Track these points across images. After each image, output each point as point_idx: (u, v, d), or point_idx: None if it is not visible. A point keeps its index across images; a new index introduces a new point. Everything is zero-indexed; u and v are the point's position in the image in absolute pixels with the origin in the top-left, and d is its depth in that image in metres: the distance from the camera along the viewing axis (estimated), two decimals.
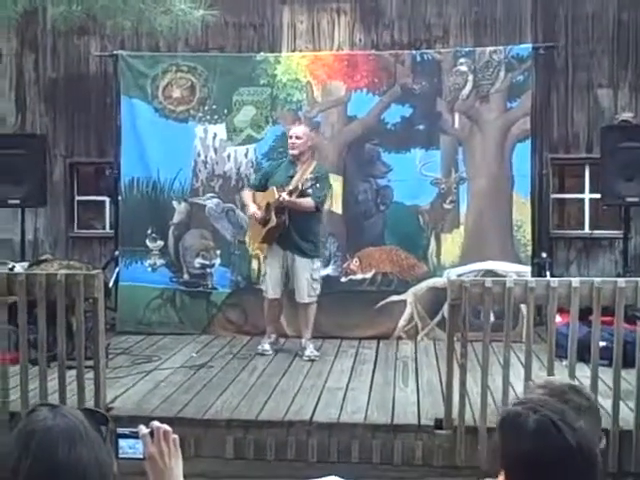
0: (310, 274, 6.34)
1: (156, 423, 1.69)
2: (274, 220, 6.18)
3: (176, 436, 1.70)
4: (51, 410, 1.40)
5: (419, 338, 7.07)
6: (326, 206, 6.99)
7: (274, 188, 6.24)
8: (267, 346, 6.49)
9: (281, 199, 6.08)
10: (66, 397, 4.84)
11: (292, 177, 6.31)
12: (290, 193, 6.10)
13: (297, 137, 6.41)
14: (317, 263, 6.45)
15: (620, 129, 7.14)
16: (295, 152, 6.37)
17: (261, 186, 6.49)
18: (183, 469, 1.69)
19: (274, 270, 6.38)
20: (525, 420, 1.59)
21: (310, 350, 6.36)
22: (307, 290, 6.35)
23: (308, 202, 6.18)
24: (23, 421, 1.40)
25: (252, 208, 6.38)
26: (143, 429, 1.68)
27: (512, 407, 1.66)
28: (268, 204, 6.24)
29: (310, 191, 6.11)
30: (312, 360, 6.26)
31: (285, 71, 7.46)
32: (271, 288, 6.40)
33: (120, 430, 1.69)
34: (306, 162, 6.42)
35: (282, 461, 4.62)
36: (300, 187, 6.11)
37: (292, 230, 6.22)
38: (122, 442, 1.68)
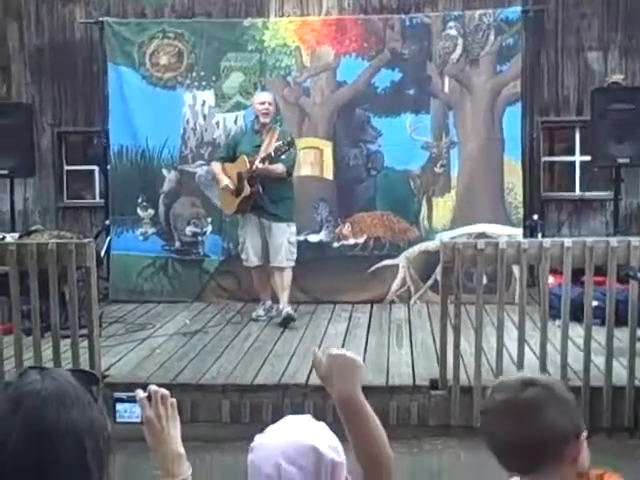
0: (287, 238, 6.33)
1: (153, 387, 1.68)
2: (247, 189, 6.16)
3: (174, 400, 1.69)
4: (40, 373, 1.37)
5: (412, 301, 7.10)
6: (316, 172, 7.02)
7: (245, 158, 6.19)
8: (261, 312, 6.50)
9: (254, 167, 6.06)
10: (61, 366, 4.84)
11: (259, 146, 6.24)
12: (262, 161, 6.08)
13: (269, 103, 6.39)
14: (293, 227, 6.43)
15: (610, 91, 7.14)
16: (267, 120, 6.33)
17: (229, 157, 6.46)
18: (181, 433, 1.69)
19: (253, 238, 6.38)
20: None
21: (286, 310, 6.25)
22: (285, 254, 6.33)
23: (279, 168, 6.17)
24: (12, 385, 1.37)
25: (225, 181, 6.33)
26: (140, 393, 1.67)
27: None
28: (239, 174, 6.20)
29: (283, 157, 6.09)
30: (293, 319, 6.21)
31: (273, 36, 7.39)
32: (253, 256, 6.40)
33: (117, 394, 1.68)
34: (270, 129, 6.35)
35: None
36: (272, 154, 6.06)
37: (265, 198, 6.23)
38: (119, 406, 1.67)
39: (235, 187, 6.26)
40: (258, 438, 1.45)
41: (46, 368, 1.43)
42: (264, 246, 6.39)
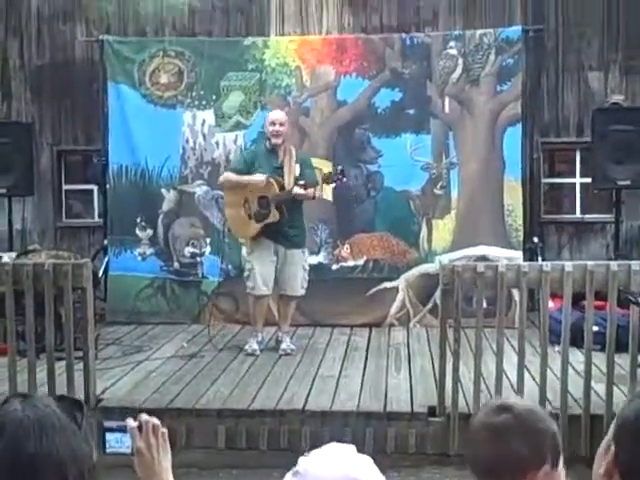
0: (302, 265, 6.13)
1: (145, 416, 1.65)
2: (276, 215, 5.88)
3: (165, 430, 1.66)
4: (22, 401, 1.36)
5: (411, 325, 7.05)
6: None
7: (272, 180, 5.90)
8: (255, 346, 6.12)
9: (294, 193, 5.83)
10: (55, 389, 4.80)
11: (279, 168, 5.99)
12: (304, 187, 5.84)
13: (281, 124, 6.05)
14: (307, 254, 6.27)
15: (611, 112, 7.10)
16: (279, 141, 6.01)
17: (243, 172, 6.09)
18: (174, 460, 1.65)
19: (265, 265, 6.03)
20: None
21: (286, 344, 6.16)
22: (300, 282, 6.13)
23: (311, 192, 5.95)
24: None
25: (261, 176, 5.92)
26: (131, 422, 1.64)
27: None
28: (264, 197, 5.92)
29: (302, 181, 5.90)
30: (288, 354, 6.05)
31: (273, 55, 7.39)
32: (262, 284, 6.03)
33: (107, 424, 1.65)
34: (286, 149, 6.08)
35: (275, 450, 4.58)
36: (317, 182, 5.94)
37: (284, 221, 5.97)
38: (109, 436, 1.65)
39: (257, 211, 5.97)
40: (305, 464, 1.40)
41: (29, 395, 1.41)
42: (275, 273, 6.06)
